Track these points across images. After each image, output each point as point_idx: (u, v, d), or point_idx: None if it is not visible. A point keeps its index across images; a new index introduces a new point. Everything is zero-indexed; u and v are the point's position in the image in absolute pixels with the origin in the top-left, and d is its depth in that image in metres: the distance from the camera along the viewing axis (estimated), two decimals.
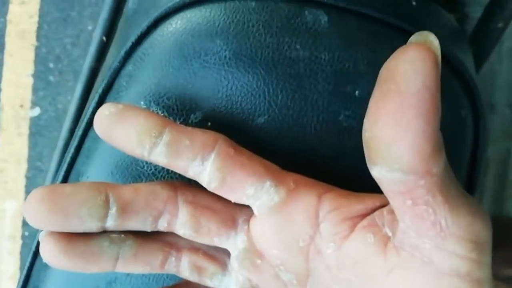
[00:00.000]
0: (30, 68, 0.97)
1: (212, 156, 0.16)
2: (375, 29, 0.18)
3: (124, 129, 0.16)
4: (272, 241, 0.16)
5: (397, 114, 0.12)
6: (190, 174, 0.16)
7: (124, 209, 0.16)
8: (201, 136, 0.16)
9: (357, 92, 0.18)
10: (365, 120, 0.13)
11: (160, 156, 0.16)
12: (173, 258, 0.17)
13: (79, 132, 0.20)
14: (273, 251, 0.16)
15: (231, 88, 0.18)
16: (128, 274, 0.20)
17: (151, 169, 0.19)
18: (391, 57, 0.12)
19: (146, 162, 0.19)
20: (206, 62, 0.18)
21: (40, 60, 0.97)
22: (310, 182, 0.16)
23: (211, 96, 0.18)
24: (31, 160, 0.89)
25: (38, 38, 0.97)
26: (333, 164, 0.19)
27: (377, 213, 0.15)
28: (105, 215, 0.16)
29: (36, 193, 0.15)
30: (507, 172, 0.66)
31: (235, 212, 0.17)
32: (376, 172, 0.13)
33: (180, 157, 0.16)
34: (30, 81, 0.95)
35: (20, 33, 0.99)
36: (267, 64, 0.17)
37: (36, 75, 0.95)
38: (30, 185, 0.85)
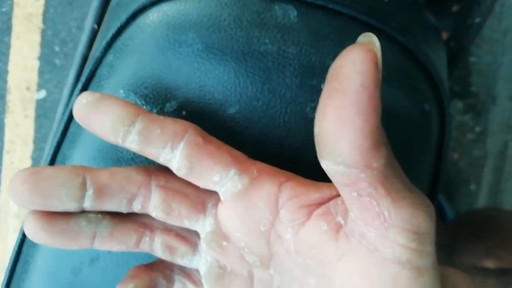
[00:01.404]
0: (36, 51, 0.98)
1: (182, 144, 0.17)
2: (343, 24, 0.19)
3: (99, 118, 0.17)
4: (236, 224, 0.17)
5: (339, 112, 0.13)
6: (161, 160, 0.17)
7: (100, 192, 0.17)
8: (172, 125, 0.17)
9: (322, 85, 0.18)
10: (315, 116, 0.14)
11: (132, 143, 0.17)
12: (147, 238, 0.18)
13: (64, 117, 0.21)
14: (237, 234, 0.17)
15: (204, 79, 0.19)
16: (109, 252, 0.21)
17: (130, 155, 0.20)
18: (338, 56, 0.13)
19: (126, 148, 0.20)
20: (180, 53, 0.19)
21: (46, 43, 0.98)
22: (273, 171, 0.17)
23: (185, 86, 0.19)
24: (36, 141, 0.91)
25: (44, 21, 0.98)
26: (301, 154, 0.20)
27: (332, 202, 0.16)
28: (82, 197, 0.17)
29: (19, 174, 0.17)
30: (504, 165, 0.66)
31: (205, 197, 0.18)
32: (324, 165, 0.14)
33: (151, 144, 0.17)
34: (36, 63, 0.97)
35: (27, 16, 1.00)
36: (237, 57, 0.18)
37: (42, 58, 0.96)
38: (36, 166, 0.88)
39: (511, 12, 0.73)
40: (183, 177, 0.17)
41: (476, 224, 0.45)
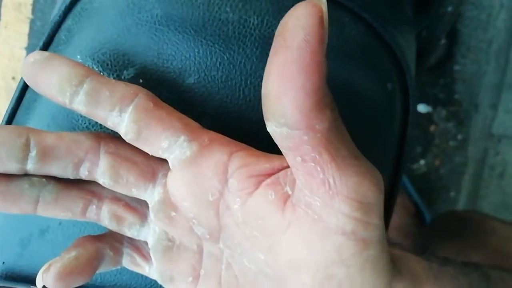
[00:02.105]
0: (24, 41, 0.97)
1: (130, 108, 0.16)
2: None
3: (47, 76, 0.16)
4: (184, 193, 0.17)
5: (282, 69, 0.12)
6: (109, 124, 0.16)
7: (45, 154, 0.16)
8: (122, 88, 0.16)
9: None
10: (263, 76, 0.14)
11: (80, 105, 0.16)
12: (94, 206, 0.18)
13: (20, 83, 0.21)
14: (185, 204, 0.17)
15: (162, 46, 0.18)
16: (60, 223, 0.21)
17: (85, 123, 0.20)
18: (286, 13, 0.13)
19: (81, 115, 0.20)
20: (139, 19, 0.18)
21: (34, 33, 0.97)
22: (225, 141, 0.17)
23: (143, 53, 0.19)
24: None
25: (33, 11, 0.97)
26: (260, 127, 0.19)
27: (282, 172, 0.16)
28: (25, 158, 0.16)
29: None
30: (483, 172, 0.66)
31: (156, 166, 0.18)
32: (269, 128, 0.14)
33: (99, 107, 0.16)
34: (23, 54, 0.95)
35: (16, 6, 0.99)
36: (197, 24, 0.18)
37: (30, 48, 0.95)
38: None
39: (496, 22, 0.74)
40: (130, 142, 0.17)
41: (450, 226, 0.45)
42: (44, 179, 0.17)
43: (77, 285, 0.17)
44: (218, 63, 0.18)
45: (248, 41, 0.18)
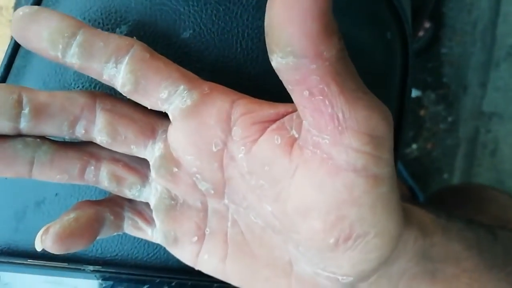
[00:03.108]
0: (6, 43, 0.95)
1: (126, 59, 0.16)
2: None
3: (37, 29, 0.15)
4: (186, 146, 0.16)
5: None
6: (105, 77, 0.16)
7: (38, 111, 0.16)
8: (116, 40, 0.16)
9: None
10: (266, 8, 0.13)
11: (73, 58, 0.15)
12: (92, 168, 0.17)
13: (8, 50, 0.20)
14: (188, 157, 0.16)
15: (156, 0, 0.18)
16: (56, 194, 0.20)
17: (78, 86, 0.19)
18: None
19: (74, 79, 0.19)
20: None
21: None
22: (226, 90, 0.16)
23: (135, 9, 0.18)
24: None
25: None
26: (260, 82, 0.19)
27: (287, 117, 0.15)
28: (17, 115, 0.15)
29: None
30: (476, 150, 0.67)
31: (155, 123, 0.17)
32: (274, 62, 0.13)
33: (94, 59, 0.15)
34: None
35: None
36: None
37: None
38: None
39: (480, 3, 0.74)
40: (128, 94, 0.16)
41: (447, 198, 0.45)
42: (38, 140, 0.16)
43: (77, 249, 0.17)
44: (213, 15, 0.18)
45: None
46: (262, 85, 0.19)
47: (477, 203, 0.40)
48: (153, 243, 0.20)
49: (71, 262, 0.20)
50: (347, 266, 0.15)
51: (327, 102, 0.13)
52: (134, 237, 0.20)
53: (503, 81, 0.59)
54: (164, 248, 0.20)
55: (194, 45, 0.18)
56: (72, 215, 0.16)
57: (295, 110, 0.15)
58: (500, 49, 0.61)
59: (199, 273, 0.19)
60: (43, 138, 0.17)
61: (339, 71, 0.13)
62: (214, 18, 0.18)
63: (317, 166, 0.14)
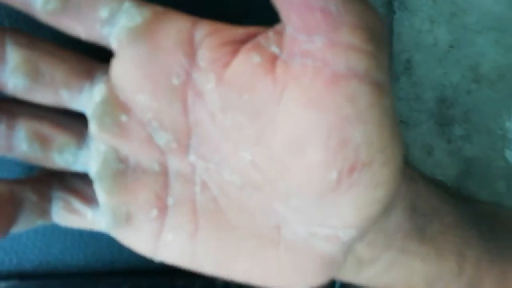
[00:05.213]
0: None
1: None
2: None
3: None
4: (138, 80, 0.13)
5: None
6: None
7: None
8: None
9: None
10: None
11: None
12: (3, 126, 0.13)
13: None
14: (140, 97, 0.13)
15: None
16: None
17: None
18: None
19: None
20: None
21: None
22: (182, 12, 0.14)
23: None
24: None
25: None
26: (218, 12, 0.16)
27: (261, 36, 0.13)
28: None
29: None
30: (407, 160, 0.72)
31: (91, 63, 0.13)
32: None
33: None
34: None
35: None
36: None
37: None
38: None
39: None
40: (53, 17, 0.12)
41: None
42: None
43: None
44: None
45: None
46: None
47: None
48: (92, 241, 0.16)
49: None
50: (350, 211, 0.13)
51: None
52: (65, 237, 0.16)
53: (404, 92, 0.65)
54: (108, 246, 0.16)
55: None
56: None
57: (266, 30, 0.13)
58: (398, 64, 0.68)
59: (157, 270, 0.15)
60: None
61: None
62: None
63: (310, 79, 0.12)
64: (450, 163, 0.68)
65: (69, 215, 0.15)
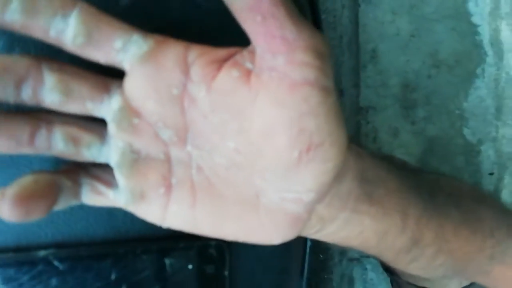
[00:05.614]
0: None
1: (75, 12, 0.16)
2: None
3: None
4: (146, 92, 0.17)
5: None
6: (52, 34, 0.16)
7: None
8: None
9: None
10: None
11: (15, 13, 0.15)
12: (43, 131, 0.16)
13: None
14: (148, 105, 0.17)
15: None
16: None
17: None
18: None
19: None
20: None
21: None
22: (176, 39, 0.18)
23: None
24: None
25: None
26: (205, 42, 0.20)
27: (238, 55, 0.17)
28: None
29: None
30: (360, 140, 0.77)
31: (107, 80, 0.17)
32: None
33: (38, 14, 0.15)
34: None
35: None
36: None
37: None
38: None
39: (341, 20, 0.87)
40: (80, 48, 0.16)
41: None
42: None
43: (36, 217, 0.15)
44: None
45: None
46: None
47: None
48: (109, 218, 0.20)
49: (19, 251, 0.18)
50: (310, 179, 0.17)
51: (278, 24, 0.15)
52: (88, 215, 0.19)
53: (371, 79, 0.70)
54: (123, 220, 0.20)
55: (133, 14, 0.19)
56: (30, 177, 0.15)
57: (242, 50, 0.17)
58: (364, 54, 0.73)
59: (164, 236, 0.19)
60: None
61: None
62: None
63: (276, 86, 0.16)
64: (414, 143, 0.73)
65: (95, 196, 0.18)
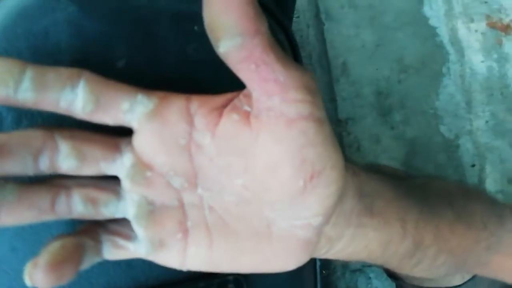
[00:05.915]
0: None
1: (81, 82, 0.17)
2: None
3: None
4: (156, 146, 0.18)
5: None
6: (62, 105, 0.17)
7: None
8: (65, 69, 0.17)
9: (195, 27, 0.21)
10: (203, 15, 0.17)
11: (27, 92, 0.16)
12: (63, 197, 0.17)
13: None
14: (159, 157, 0.18)
15: (87, 38, 0.20)
16: (13, 249, 0.19)
17: None
18: None
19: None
20: (56, 19, 0.19)
21: None
22: (175, 93, 0.19)
23: (67, 48, 0.19)
24: None
25: None
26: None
27: (235, 100, 0.19)
28: None
29: None
30: (344, 151, 0.79)
31: (115, 140, 0.18)
32: (222, 48, 0.16)
33: (48, 89, 0.16)
34: None
35: None
36: (116, 12, 0.20)
37: None
38: None
39: (308, 40, 0.91)
40: (90, 115, 0.17)
41: None
42: (2, 181, 0.16)
43: (66, 281, 0.16)
44: (142, 43, 0.21)
45: (161, 19, 0.21)
46: None
47: None
48: (128, 269, 0.20)
49: None
50: (316, 204, 0.18)
51: (270, 69, 0.17)
52: (107, 269, 0.20)
53: (345, 92, 0.73)
54: (141, 269, 0.21)
55: (130, 72, 0.20)
56: (57, 244, 0.16)
57: (237, 95, 0.19)
58: (335, 68, 0.76)
59: (183, 279, 0.20)
60: (5, 180, 0.16)
61: (271, 43, 0.17)
62: (143, 45, 0.21)
63: (274, 124, 0.17)
64: (396, 147, 0.76)
65: (116, 250, 0.19)
